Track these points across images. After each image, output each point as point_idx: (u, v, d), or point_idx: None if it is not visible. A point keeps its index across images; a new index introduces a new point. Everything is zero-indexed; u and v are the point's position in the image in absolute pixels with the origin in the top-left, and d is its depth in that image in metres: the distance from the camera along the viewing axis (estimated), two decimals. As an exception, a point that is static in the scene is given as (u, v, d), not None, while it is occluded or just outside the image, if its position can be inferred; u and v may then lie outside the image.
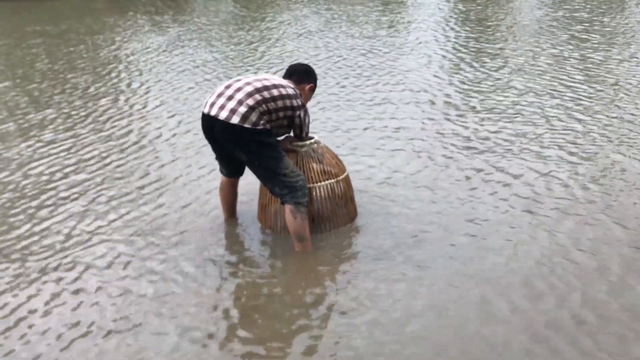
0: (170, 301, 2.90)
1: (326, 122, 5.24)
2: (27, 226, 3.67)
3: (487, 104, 5.49)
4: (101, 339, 2.66)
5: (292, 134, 3.41)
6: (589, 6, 10.12)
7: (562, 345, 2.50)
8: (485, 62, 6.88)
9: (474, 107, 5.42)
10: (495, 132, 4.83)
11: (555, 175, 4.03)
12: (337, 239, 3.41)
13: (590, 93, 5.65)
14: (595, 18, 9.12)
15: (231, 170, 3.47)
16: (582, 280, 2.93)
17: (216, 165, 3.65)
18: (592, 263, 3.06)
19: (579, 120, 4.98)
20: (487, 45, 7.72)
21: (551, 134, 4.72)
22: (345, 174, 3.51)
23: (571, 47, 7.42)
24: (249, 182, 3.74)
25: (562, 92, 5.72)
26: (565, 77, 6.16)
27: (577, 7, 10.10)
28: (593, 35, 8.01)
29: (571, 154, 4.35)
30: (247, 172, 3.43)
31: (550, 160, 4.26)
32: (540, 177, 4.02)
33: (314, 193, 3.40)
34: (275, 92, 3.14)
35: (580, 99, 5.48)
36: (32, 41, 9.16)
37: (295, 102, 3.21)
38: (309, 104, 3.70)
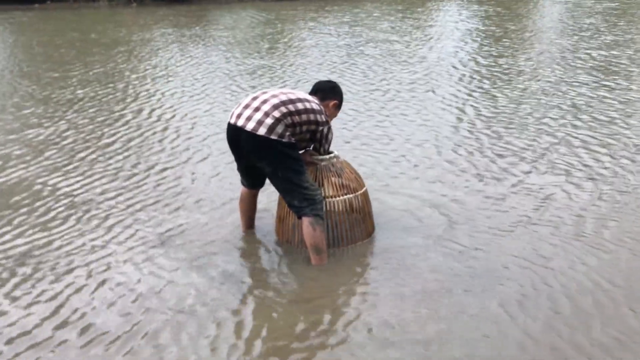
0: (185, 313, 2.88)
1: (346, 135, 5.31)
2: (41, 234, 3.70)
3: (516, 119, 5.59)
4: (115, 349, 2.65)
5: (312, 148, 3.46)
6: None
7: None
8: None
9: (502, 120, 5.50)
10: (528, 145, 4.92)
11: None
12: (354, 254, 3.43)
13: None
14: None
15: (252, 182, 3.51)
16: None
17: (236, 176, 3.69)
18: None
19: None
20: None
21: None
22: (364, 189, 3.55)
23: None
24: (268, 194, 3.78)
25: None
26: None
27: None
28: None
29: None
30: (267, 184, 3.47)
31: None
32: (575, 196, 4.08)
33: (332, 207, 3.44)
34: (300, 105, 3.20)
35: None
36: (57, 50, 9.31)
37: (319, 117, 3.27)
38: (335, 120, 3.74)
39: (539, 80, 7.11)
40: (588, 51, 8.58)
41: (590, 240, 3.50)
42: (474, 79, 7.28)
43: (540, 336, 2.69)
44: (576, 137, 5.19)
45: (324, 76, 7.35)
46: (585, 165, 4.58)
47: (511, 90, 6.75)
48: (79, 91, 6.96)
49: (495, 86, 6.94)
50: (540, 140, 5.13)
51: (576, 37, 9.76)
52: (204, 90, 6.93)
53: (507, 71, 7.63)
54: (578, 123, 5.56)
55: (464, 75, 7.45)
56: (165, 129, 5.63)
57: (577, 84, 6.92)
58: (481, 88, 6.88)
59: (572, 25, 10.96)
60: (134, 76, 7.67)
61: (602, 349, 2.60)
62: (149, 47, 9.53)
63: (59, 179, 4.49)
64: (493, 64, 8.03)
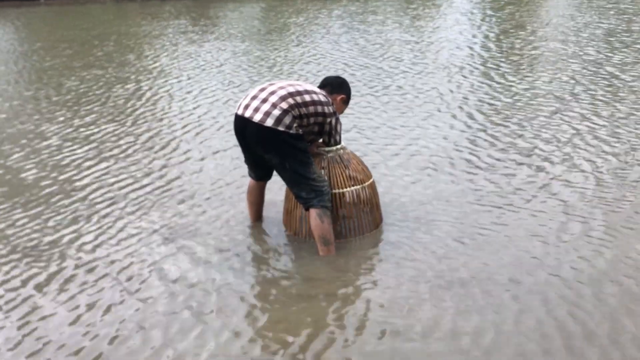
0: (193, 307, 2.90)
1: (354, 127, 5.29)
2: (61, 227, 3.78)
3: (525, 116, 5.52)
4: (121, 339, 2.69)
5: (320, 140, 3.46)
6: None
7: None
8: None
9: (508, 120, 5.44)
10: (534, 146, 4.86)
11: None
12: (362, 245, 3.43)
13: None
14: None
15: (260, 174, 3.53)
16: None
17: (244, 168, 3.70)
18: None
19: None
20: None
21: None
22: (371, 180, 3.54)
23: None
24: (277, 186, 3.80)
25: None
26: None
27: None
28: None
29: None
30: (275, 175, 3.49)
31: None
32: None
33: (340, 198, 3.44)
34: (307, 97, 3.20)
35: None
36: (64, 45, 9.43)
37: (326, 109, 3.27)
38: (351, 110, 3.72)
39: (582, 63, 7.02)
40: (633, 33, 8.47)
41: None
42: (509, 64, 7.19)
43: (551, 327, 2.66)
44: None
45: (363, 63, 7.40)
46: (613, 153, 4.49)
47: (552, 75, 6.65)
48: (140, 87, 6.97)
49: (529, 71, 6.85)
50: (574, 139, 5.03)
51: (613, 19, 9.60)
52: (212, 84, 6.89)
53: (542, 55, 7.53)
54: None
55: (496, 61, 7.37)
56: (172, 123, 5.62)
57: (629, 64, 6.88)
58: (517, 73, 6.80)
59: (606, 7, 10.76)
60: (186, 73, 7.51)
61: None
62: (187, 39, 9.59)
63: (72, 171, 4.58)
64: (526, 48, 7.93)
